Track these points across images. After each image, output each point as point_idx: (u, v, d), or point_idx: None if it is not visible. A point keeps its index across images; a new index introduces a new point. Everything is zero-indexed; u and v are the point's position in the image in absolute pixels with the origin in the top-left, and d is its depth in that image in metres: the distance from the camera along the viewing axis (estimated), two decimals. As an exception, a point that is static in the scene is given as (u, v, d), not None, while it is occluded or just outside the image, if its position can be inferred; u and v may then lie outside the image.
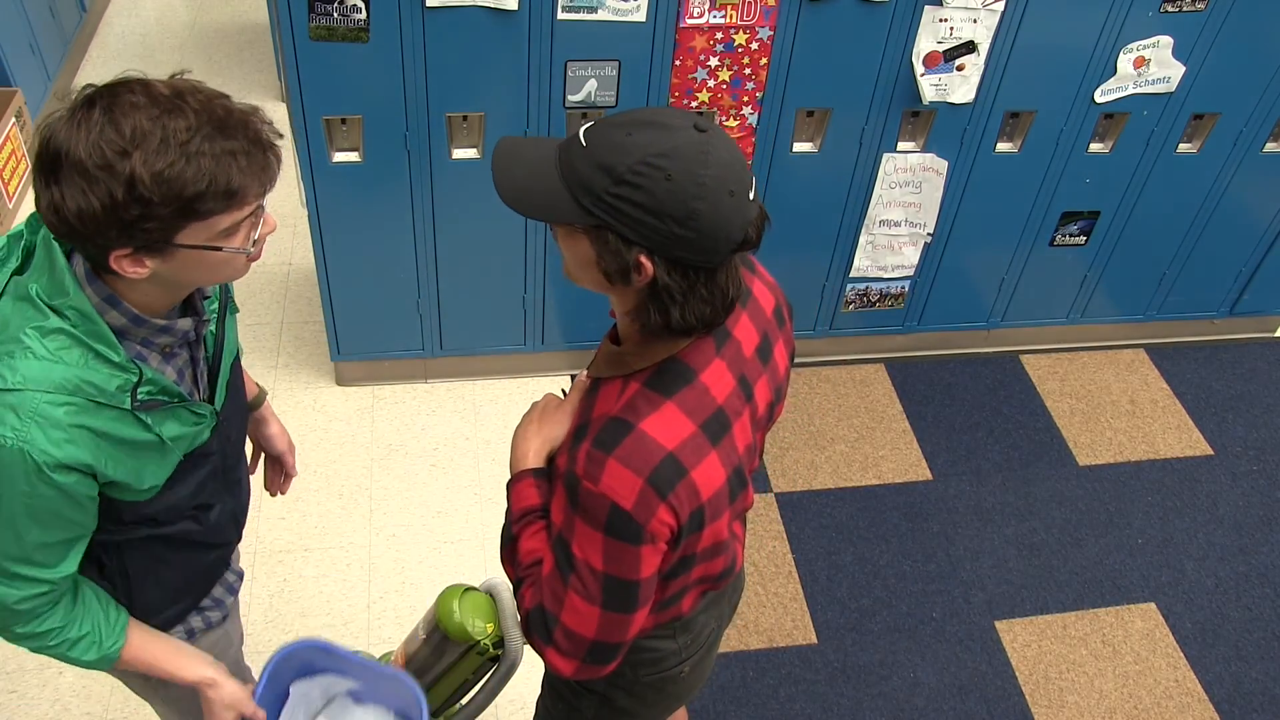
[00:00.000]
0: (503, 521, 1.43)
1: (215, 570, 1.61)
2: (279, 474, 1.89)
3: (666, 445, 1.21)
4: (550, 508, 1.32)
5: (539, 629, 1.32)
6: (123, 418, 1.22)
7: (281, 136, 1.19)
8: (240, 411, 1.52)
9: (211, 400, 1.39)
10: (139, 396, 1.21)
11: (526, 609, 1.35)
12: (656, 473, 1.19)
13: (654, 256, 1.14)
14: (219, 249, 1.15)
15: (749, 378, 1.33)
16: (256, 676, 1.90)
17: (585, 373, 1.38)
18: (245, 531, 1.65)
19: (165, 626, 1.54)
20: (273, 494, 1.88)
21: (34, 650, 1.35)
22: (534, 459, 1.38)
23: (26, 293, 1.18)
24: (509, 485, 1.40)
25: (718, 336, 1.30)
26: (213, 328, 1.39)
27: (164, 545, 1.43)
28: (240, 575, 1.72)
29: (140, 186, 1.06)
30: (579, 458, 1.22)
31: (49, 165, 1.08)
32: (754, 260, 1.43)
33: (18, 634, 1.32)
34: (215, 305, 1.39)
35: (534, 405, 1.44)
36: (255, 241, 1.20)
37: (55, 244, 1.17)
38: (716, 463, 1.25)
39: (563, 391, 1.45)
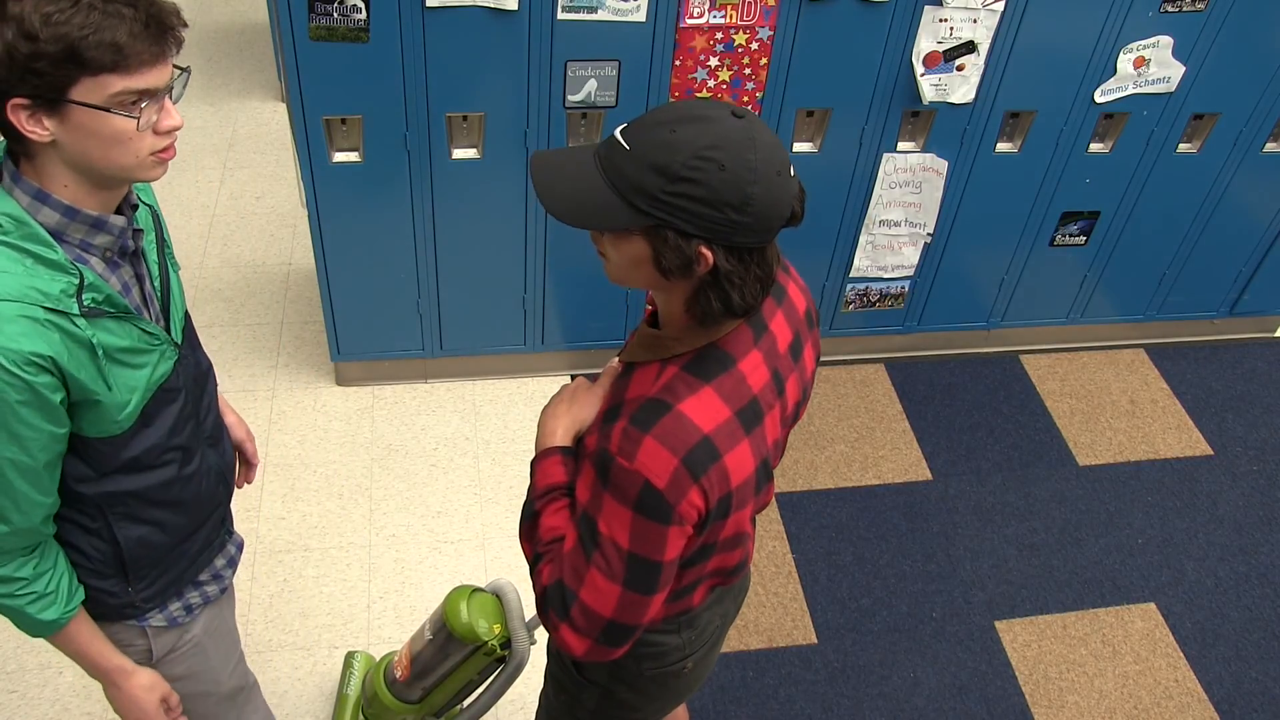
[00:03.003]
0: (524, 499, 1.44)
1: (209, 534, 1.61)
2: (241, 464, 1.86)
3: (703, 428, 1.22)
4: (575, 486, 1.33)
5: (556, 605, 1.32)
6: (74, 325, 1.24)
7: (187, 25, 1.23)
8: (204, 364, 1.54)
9: (167, 329, 1.42)
10: (85, 302, 1.24)
11: (544, 584, 1.35)
12: (692, 454, 1.20)
13: (713, 245, 1.16)
14: (108, 110, 1.17)
15: (782, 373, 1.35)
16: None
17: (616, 360, 1.39)
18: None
19: (162, 600, 1.55)
20: (238, 485, 1.87)
21: None
22: (562, 437, 1.39)
23: None
24: (534, 462, 1.41)
25: (756, 329, 1.31)
26: (154, 256, 1.42)
27: (149, 503, 1.44)
28: (240, 546, 1.72)
29: (28, 23, 1.11)
30: (613, 435, 1.23)
31: None
32: (788, 263, 1.45)
33: None
34: (150, 229, 1.42)
35: (564, 388, 1.45)
36: (157, 126, 1.23)
37: None
38: (748, 451, 1.26)
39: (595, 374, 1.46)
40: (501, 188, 2.80)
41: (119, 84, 1.16)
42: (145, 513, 1.45)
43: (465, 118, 2.66)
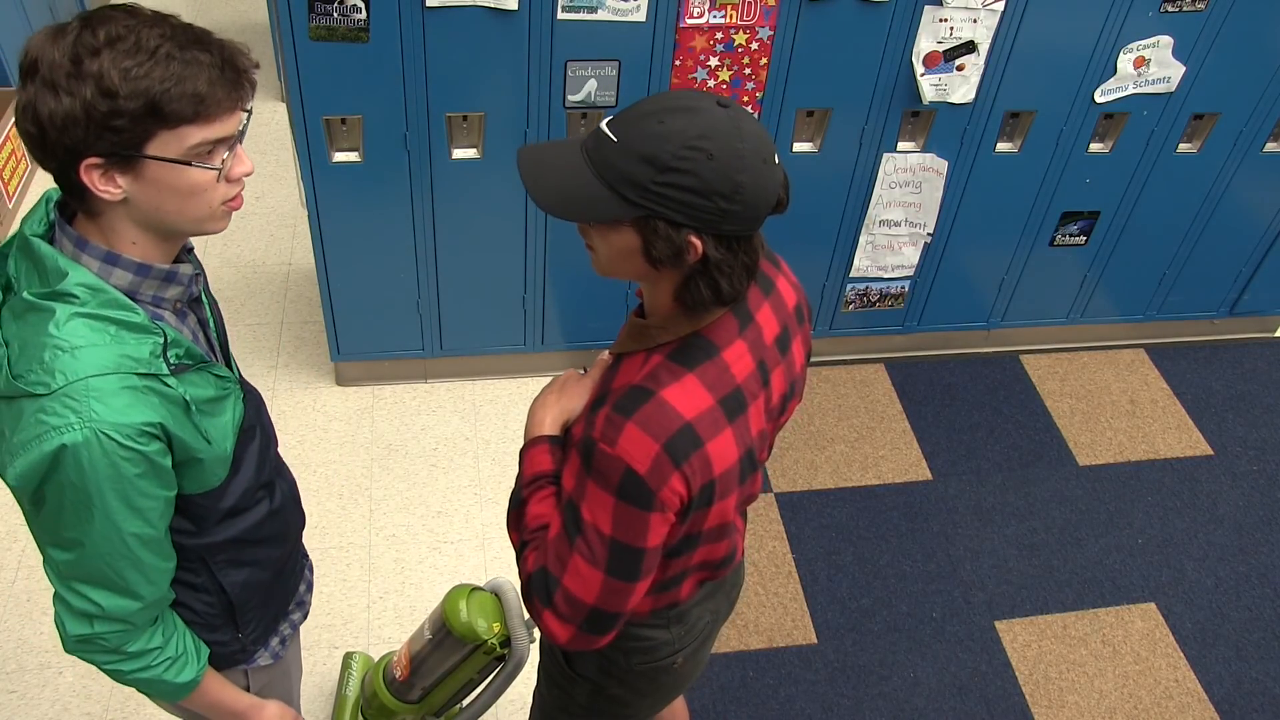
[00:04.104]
0: (512, 487, 1.44)
1: (294, 562, 1.62)
2: None
3: (685, 415, 1.22)
4: (562, 474, 1.34)
5: (539, 591, 1.33)
6: (166, 385, 1.20)
7: (258, 66, 1.19)
8: (257, 394, 1.51)
9: (229, 367, 1.40)
10: (170, 359, 1.20)
11: (528, 571, 1.36)
12: (673, 440, 1.21)
13: (702, 234, 1.17)
14: (188, 163, 1.13)
15: (767, 364, 1.35)
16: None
17: (607, 353, 1.40)
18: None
19: (265, 638, 1.57)
20: None
21: (132, 678, 1.34)
22: (550, 426, 1.40)
23: (25, 305, 1.16)
24: (522, 451, 1.42)
25: (741, 318, 1.32)
26: (205, 298, 1.39)
27: (248, 545, 1.43)
28: (313, 568, 1.74)
29: (108, 81, 1.06)
30: (597, 422, 1.24)
31: (27, 70, 1.09)
32: (779, 258, 1.46)
33: (130, 654, 1.31)
34: (198, 269, 1.39)
35: (554, 379, 1.46)
36: (229, 174, 1.18)
37: (30, 240, 1.17)
38: (731, 440, 1.27)
39: (583, 369, 1.47)
40: (501, 188, 2.80)
41: (198, 135, 1.12)
42: (245, 554, 1.43)
43: (465, 118, 2.66)
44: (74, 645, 1.29)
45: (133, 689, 1.70)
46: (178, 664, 1.36)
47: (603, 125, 1.18)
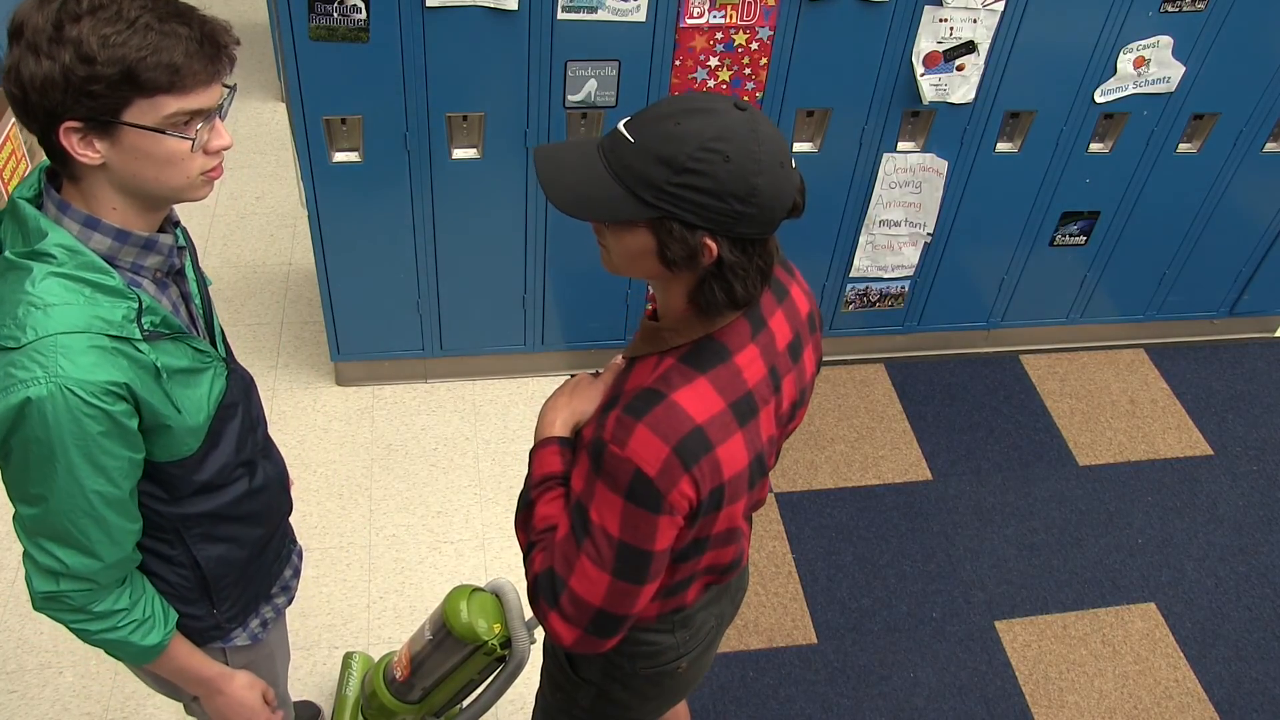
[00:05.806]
0: (521, 488, 1.44)
1: (278, 545, 1.62)
2: None
3: (696, 418, 1.22)
4: (571, 476, 1.34)
5: (546, 593, 1.33)
6: (137, 350, 1.22)
7: (239, 43, 1.21)
8: (247, 376, 1.52)
9: (214, 345, 1.42)
10: (145, 326, 1.22)
11: (535, 573, 1.35)
12: (683, 443, 1.21)
13: (717, 237, 1.17)
14: (163, 132, 1.16)
15: (779, 370, 1.35)
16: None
17: (620, 357, 1.41)
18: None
19: (244, 618, 1.58)
20: None
21: (99, 638, 1.36)
22: (560, 428, 1.40)
23: (7, 264, 1.19)
24: (532, 452, 1.42)
25: (754, 323, 1.32)
26: (192, 273, 1.41)
27: (224, 521, 1.44)
28: (301, 554, 1.74)
29: (86, 46, 1.09)
30: (608, 424, 1.24)
31: (13, 33, 1.12)
32: (793, 266, 1.46)
33: (96, 614, 1.33)
34: (184, 243, 1.41)
35: (566, 381, 1.47)
36: (206, 146, 1.21)
37: (17, 202, 1.20)
38: (741, 444, 1.27)
39: (595, 372, 1.47)
40: (501, 188, 2.80)
41: (173, 105, 1.14)
42: (221, 530, 1.44)
43: (465, 118, 2.66)
44: (41, 603, 1.32)
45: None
46: (144, 627, 1.38)
47: (620, 126, 1.18)
